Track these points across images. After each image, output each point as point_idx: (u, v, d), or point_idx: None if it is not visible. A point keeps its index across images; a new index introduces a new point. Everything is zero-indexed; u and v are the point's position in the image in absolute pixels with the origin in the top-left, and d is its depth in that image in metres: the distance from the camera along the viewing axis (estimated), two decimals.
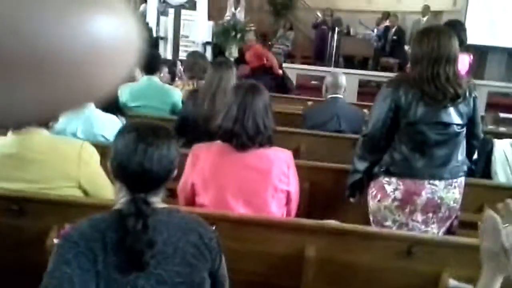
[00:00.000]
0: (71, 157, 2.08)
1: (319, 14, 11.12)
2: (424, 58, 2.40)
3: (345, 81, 3.94)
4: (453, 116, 2.45)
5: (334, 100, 3.81)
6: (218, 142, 2.18)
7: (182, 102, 3.84)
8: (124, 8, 0.35)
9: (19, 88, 0.30)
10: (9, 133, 2.07)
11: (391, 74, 6.92)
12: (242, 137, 2.10)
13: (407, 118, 2.45)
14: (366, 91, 8.01)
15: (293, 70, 8.12)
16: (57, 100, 0.32)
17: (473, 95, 2.51)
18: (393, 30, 9.54)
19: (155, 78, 3.99)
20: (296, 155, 3.35)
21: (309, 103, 5.02)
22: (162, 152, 1.44)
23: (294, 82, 8.01)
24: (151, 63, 3.95)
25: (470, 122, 2.54)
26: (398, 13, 10.48)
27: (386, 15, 10.27)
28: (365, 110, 3.98)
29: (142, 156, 1.41)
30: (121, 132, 1.49)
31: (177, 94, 4.01)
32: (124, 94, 3.90)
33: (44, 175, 2.04)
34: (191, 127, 3.09)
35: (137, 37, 0.35)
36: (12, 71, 0.29)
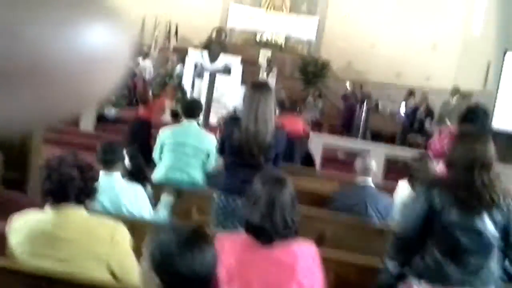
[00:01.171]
0: (103, 238, 2.09)
1: (348, 85, 11.29)
2: (458, 162, 2.38)
3: (375, 164, 3.92)
4: (487, 223, 2.39)
5: (363, 185, 3.78)
6: (243, 234, 2.16)
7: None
8: (118, 20, 0.36)
9: (18, 95, 0.30)
10: (48, 208, 2.10)
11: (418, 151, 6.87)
12: (270, 232, 2.08)
13: (439, 221, 2.40)
14: (392, 167, 7.94)
15: (320, 139, 8.14)
16: (52, 106, 0.33)
17: (508, 202, 2.45)
18: (422, 108, 9.58)
19: (194, 123, 4.26)
20: (321, 241, 3.31)
21: (335, 183, 4.96)
22: (206, 255, 1.45)
23: (320, 151, 8.02)
24: (193, 109, 4.30)
25: (505, 232, 2.47)
26: (426, 89, 10.57)
27: (412, 92, 10.36)
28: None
29: (189, 260, 1.42)
30: (163, 231, 1.51)
31: (213, 141, 4.18)
32: (165, 134, 4.19)
33: (75, 255, 2.05)
34: (235, 149, 3.10)
35: (129, 47, 0.36)
36: (11, 78, 0.30)
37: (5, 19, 0.30)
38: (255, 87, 3.20)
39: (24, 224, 2.08)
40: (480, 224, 2.38)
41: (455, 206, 2.37)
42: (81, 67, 0.32)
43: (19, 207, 4.50)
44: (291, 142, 6.30)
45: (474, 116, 3.77)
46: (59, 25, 0.31)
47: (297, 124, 7.30)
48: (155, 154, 4.28)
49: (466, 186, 2.36)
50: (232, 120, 3.39)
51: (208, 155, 4.17)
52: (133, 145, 4.03)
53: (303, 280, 2.09)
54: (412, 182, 3.78)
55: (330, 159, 8.24)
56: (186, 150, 4.12)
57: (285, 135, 3.31)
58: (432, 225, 2.42)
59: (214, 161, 4.18)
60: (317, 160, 7.86)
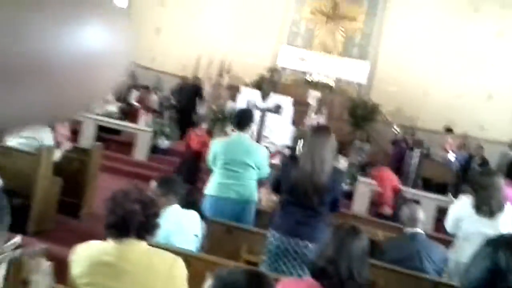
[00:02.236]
0: (161, 271, 2.10)
1: (397, 129, 11.10)
2: None
3: (423, 214, 3.79)
4: None
5: (414, 235, 3.65)
6: (308, 278, 2.12)
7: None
8: (119, 18, 0.36)
9: (21, 92, 0.30)
10: (110, 240, 2.14)
11: None
12: (333, 279, 2.03)
13: (506, 282, 2.27)
14: (443, 218, 7.64)
15: (368, 185, 7.98)
16: (55, 104, 0.32)
17: None
18: (477, 158, 9.26)
19: (246, 135, 4.27)
20: None
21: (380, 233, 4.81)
22: None
23: (368, 197, 7.84)
24: (243, 121, 4.29)
25: None
26: (479, 139, 10.26)
27: (465, 142, 10.09)
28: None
29: None
30: (227, 274, 1.50)
31: (263, 153, 4.25)
32: (216, 146, 4.24)
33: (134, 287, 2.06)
34: (291, 188, 3.12)
35: (128, 46, 0.36)
36: (14, 76, 0.29)
37: (8, 17, 0.30)
38: (315, 130, 3.26)
39: (87, 255, 2.12)
40: None
41: None
42: (82, 65, 0.33)
43: (72, 232, 4.63)
44: None
45: None
46: (61, 23, 0.32)
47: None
48: (209, 162, 4.32)
49: None
50: (290, 159, 3.41)
51: (259, 168, 4.19)
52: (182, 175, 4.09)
53: None
54: (477, 198, 3.73)
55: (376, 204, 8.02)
56: (237, 167, 4.14)
57: (343, 179, 3.29)
58: (496, 286, 2.29)
59: (266, 173, 4.26)
60: (364, 206, 7.68)
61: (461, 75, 11.86)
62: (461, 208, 3.88)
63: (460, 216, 3.87)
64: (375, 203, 7.81)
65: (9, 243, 1.56)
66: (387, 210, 6.84)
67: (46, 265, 1.54)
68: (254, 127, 8.93)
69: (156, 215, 2.23)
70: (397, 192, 7.06)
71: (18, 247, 1.58)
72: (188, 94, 11.02)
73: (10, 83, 0.31)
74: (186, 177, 5.49)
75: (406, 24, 12.39)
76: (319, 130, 3.31)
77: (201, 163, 6.61)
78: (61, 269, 2.19)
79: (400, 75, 12.19)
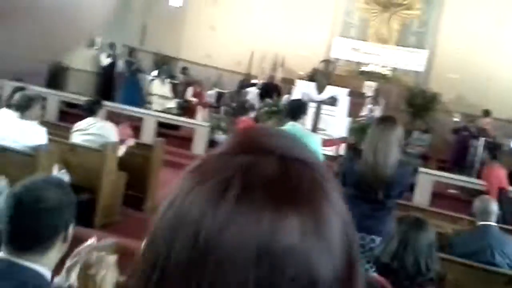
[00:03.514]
0: None
1: (457, 119, 10.61)
2: None
3: (496, 207, 3.55)
4: None
5: (485, 228, 3.45)
6: (375, 275, 2.02)
7: None
8: None
9: (18, 30, 0.27)
10: None
11: None
12: (400, 275, 1.92)
13: None
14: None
15: (429, 176, 7.65)
16: (43, 42, 0.29)
17: None
18: None
19: (298, 124, 4.18)
20: (442, 284, 3.02)
21: (450, 227, 4.56)
22: None
23: (430, 188, 7.53)
24: (296, 111, 4.21)
25: None
26: None
27: None
28: None
29: None
30: None
31: (315, 139, 4.16)
32: None
33: None
34: (355, 181, 3.03)
35: None
36: (12, 15, 0.26)
37: None
38: (379, 121, 3.14)
39: None
40: None
41: None
42: (68, 5, 0.29)
43: (137, 224, 4.74)
44: None
45: None
46: None
47: None
48: None
49: None
50: (354, 151, 3.31)
51: None
52: None
53: None
54: None
55: (442, 196, 7.69)
56: None
57: (411, 172, 3.15)
58: None
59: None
60: (426, 197, 7.38)
61: None
62: None
63: None
64: (436, 194, 7.50)
65: (85, 245, 1.58)
66: None
67: (111, 258, 1.54)
68: (308, 119, 8.85)
69: None
70: (502, 190, 6.59)
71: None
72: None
73: (8, 21, 0.29)
74: None
75: (465, 9, 11.78)
76: (384, 121, 3.17)
77: None
78: (127, 261, 2.22)
79: (461, 62, 11.62)
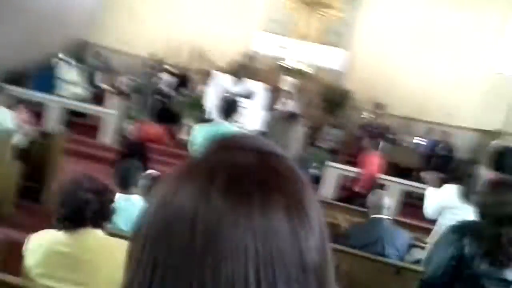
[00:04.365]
0: (121, 259, 2.00)
1: (365, 114, 11.16)
2: (488, 215, 2.27)
3: (389, 201, 3.78)
4: None
5: (377, 221, 3.66)
6: None
7: None
8: None
9: (10, 30, 0.27)
10: (61, 230, 2.03)
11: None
12: None
13: (469, 269, 2.28)
14: (408, 201, 7.76)
15: (336, 170, 7.99)
16: (30, 42, 0.29)
17: None
18: (441, 145, 9.40)
19: (226, 123, 4.17)
20: (336, 275, 3.16)
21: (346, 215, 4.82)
22: None
23: (335, 181, 7.87)
24: (228, 110, 4.19)
25: None
26: (448, 126, 10.44)
27: (431, 128, 10.31)
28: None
29: None
30: None
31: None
32: (198, 130, 4.19)
33: (92, 278, 1.97)
34: None
35: None
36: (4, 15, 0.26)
37: None
38: (280, 116, 3.20)
39: (41, 244, 2.02)
40: (509, 276, 2.25)
41: (484, 257, 2.24)
42: (56, 6, 0.29)
43: (33, 215, 4.48)
44: None
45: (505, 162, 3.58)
46: None
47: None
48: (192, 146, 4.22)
49: (494, 240, 2.23)
50: None
51: None
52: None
53: None
54: (464, 187, 3.68)
55: (345, 189, 8.07)
56: None
57: (308, 167, 3.25)
58: (461, 272, 2.29)
59: None
60: (331, 190, 7.70)
61: (430, 61, 12.00)
62: (447, 196, 3.84)
63: (445, 204, 3.82)
64: (345, 187, 7.87)
65: None
66: (361, 190, 6.98)
67: None
68: (241, 117, 8.87)
69: (111, 201, 2.14)
70: (374, 178, 7.17)
71: None
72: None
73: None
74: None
75: (383, 12, 12.42)
76: (289, 117, 3.24)
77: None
78: (20, 254, 2.09)
79: (376, 63, 12.23)
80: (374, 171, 7.29)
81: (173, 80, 10.73)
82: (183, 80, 10.76)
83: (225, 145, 0.54)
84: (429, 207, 3.98)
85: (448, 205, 3.81)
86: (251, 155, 0.52)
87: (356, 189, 7.22)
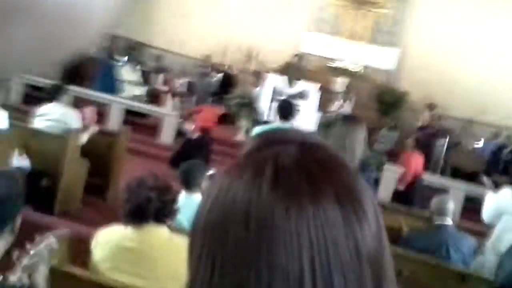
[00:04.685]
0: (184, 257, 2.05)
1: (424, 117, 10.82)
2: None
3: (453, 206, 3.65)
4: None
5: (442, 226, 3.53)
6: None
7: None
8: None
9: (9, 33, 0.29)
10: (127, 226, 2.10)
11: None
12: None
13: None
14: (470, 207, 7.42)
15: (394, 173, 7.79)
16: (46, 46, 0.32)
17: None
18: (509, 148, 8.94)
19: (288, 125, 4.22)
20: (398, 279, 3.08)
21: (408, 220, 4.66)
22: None
23: (394, 184, 7.67)
24: (286, 112, 4.28)
25: None
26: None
27: (498, 132, 9.82)
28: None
29: None
30: None
31: None
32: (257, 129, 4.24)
33: (156, 273, 2.03)
34: None
35: None
36: (10, 16, 0.29)
37: None
38: (345, 119, 3.17)
39: (108, 240, 2.10)
40: None
41: None
42: (71, 6, 0.32)
43: (98, 211, 4.67)
44: None
45: None
46: None
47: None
48: None
49: None
50: None
51: None
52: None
53: None
54: None
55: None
56: None
57: (372, 170, 3.21)
58: None
59: None
60: (389, 193, 7.53)
61: (495, 61, 11.44)
62: (503, 200, 3.72)
63: (502, 207, 3.71)
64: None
65: (44, 244, 1.57)
66: (400, 187, 6.96)
67: (44, 251, 1.54)
68: (299, 120, 8.89)
69: (173, 200, 2.20)
70: (417, 176, 7.05)
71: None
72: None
73: (6, 23, 0.30)
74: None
75: (436, 9, 11.99)
76: (350, 119, 3.20)
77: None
78: (87, 249, 2.18)
79: (430, 61, 11.85)
80: (416, 170, 7.12)
81: (224, 81, 10.88)
82: (233, 81, 10.88)
83: (270, 140, 0.55)
84: (486, 211, 3.87)
85: (505, 209, 3.67)
86: (294, 147, 0.53)
87: (400, 187, 7.11)
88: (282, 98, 8.83)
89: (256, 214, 0.48)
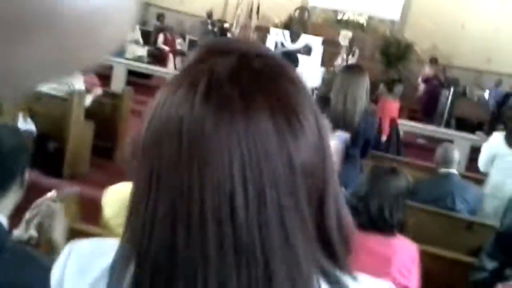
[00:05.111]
0: None
1: (428, 67, 10.66)
2: None
3: (458, 155, 3.64)
4: None
5: (447, 176, 3.53)
6: None
7: None
8: None
9: (26, 48, 0.29)
10: None
11: None
12: (363, 217, 1.98)
13: None
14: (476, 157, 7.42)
15: (400, 126, 7.76)
16: (63, 59, 0.31)
17: None
18: None
19: None
20: (403, 229, 3.12)
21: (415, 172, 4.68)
22: None
23: (402, 137, 7.66)
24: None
25: None
26: None
27: (500, 80, 9.66)
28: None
29: None
30: None
31: None
32: None
33: None
34: None
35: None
36: (18, 30, 0.28)
37: None
38: (347, 68, 3.14)
39: (118, 197, 2.11)
40: None
41: None
42: (89, 17, 0.31)
43: (106, 172, 4.71)
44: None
45: None
46: None
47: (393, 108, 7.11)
48: None
49: None
50: (321, 99, 3.30)
51: None
52: None
53: (398, 277, 1.97)
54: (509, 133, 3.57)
55: (409, 145, 7.85)
56: None
57: (376, 123, 3.18)
58: None
59: None
60: (394, 146, 7.53)
61: (500, 8, 11.14)
62: (494, 145, 3.72)
63: (494, 153, 3.72)
64: (406, 144, 7.66)
65: (45, 197, 1.57)
66: (383, 138, 6.89)
67: (57, 206, 1.54)
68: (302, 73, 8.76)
69: None
70: (394, 123, 7.02)
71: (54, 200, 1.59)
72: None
73: (14, 39, 0.29)
74: None
75: None
76: (352, 68, 3.17)
77: None
78: (97, 210, 2.21)
79: (436, 10, 11.54)
80: (391, 116, 7.10)
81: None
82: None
83: (210, 51, 0.53)
84: (480, 159, 3.88)
85: (497, 152, 3.68)
86: (233, 58, 0.51)
87: (383, 138, 7.11)
88: (284, 50, 8.72)
89: (187, 129, 0.48)
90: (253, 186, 0.47)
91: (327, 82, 8.87)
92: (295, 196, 0.48)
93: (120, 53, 9.01)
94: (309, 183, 0.50)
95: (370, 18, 12.58)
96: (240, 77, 0.49)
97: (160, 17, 11.34)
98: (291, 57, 4.27)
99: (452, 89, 8.79)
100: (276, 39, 9.27)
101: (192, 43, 10.85)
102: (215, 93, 0.48)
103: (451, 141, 6.72)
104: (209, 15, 11.45)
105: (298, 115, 0.49)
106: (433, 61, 10.33)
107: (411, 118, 9.33)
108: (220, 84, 0.48)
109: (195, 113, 0.48)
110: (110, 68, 8.04)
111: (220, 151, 0.47)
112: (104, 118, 4.99)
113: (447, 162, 3.53)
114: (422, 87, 10.29)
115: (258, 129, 0.47)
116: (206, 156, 0.47)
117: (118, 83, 7.77)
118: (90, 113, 4.75)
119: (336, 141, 2.91)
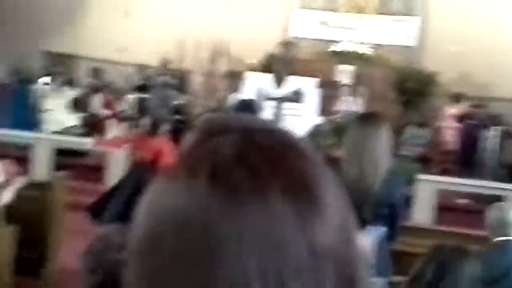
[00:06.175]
0: None
1: (448, 113, 10.78)
2: None
3: None
4: None
5: (506, 245, 3.56)
6: None
7: None
8: None
9: None
10: None
11: None
12: None
13: None
14: None
15: (430, 184, 7.85)
16: None
17: None
18: None
19: None
20: None
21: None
22: None
23: (434, 200, 7.73)
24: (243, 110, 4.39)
25: None
26: None
27: None
28: None
29: None
30: None
31: None
32: None
33: None
34: None
35: None
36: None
37: None
38: (360, 119, 3.22)
39: None
40: None
41: None
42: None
43: None
44: None
45: None
46: None
47: None
48: None
49: None
50: (328, 162, 3.36)
51: None
52: None
53: None
54: None
55: (446, 207, 7.90)
56: None
57: (400, 182, 3.26)
58: None
59: None
60: (429, 210, 7.57)
61: None
62: None
63: None
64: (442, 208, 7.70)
65: None
66: None
67: None
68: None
69: None
70: None
71: None
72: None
73: None
74: None
75: None
76: (366, 118, 3.25)
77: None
78: None
79: (461, 31, 11.95)
80: None
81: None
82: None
83: (208, 132, 0.60)
84: None
85: None
86: (236, 136, 0.58)
87: None
88: (271, 101, 8.89)
89: (192, 220, 0.54)
90: (273, 278, 0.52)
91: (331, 133, 9.00)
92: (321, 285, 0.54)
93: (37, 124, 9.06)
94: (335, 269, 0.56)
95: (376, 47, 12.88)
96: (247, 157, 0.56)
97: (96, 72, 11.59)
98: (250, 107, 4.42)
99: (494, 128, 8.97)
100: (256, 86, 9.45)
101: (142, 102, 10.98)
102: (220, 178, 0.55)
103: (502, 199, 6.80)
104: (165, 64, 11.72)
105: (315, 193, 0.57)
106: (457, 98, 10.60)
107: (444, 171, 9.43)
108: (226, 167, 0.55)
109: (200, 202, 0.54)
110: (28, 147, 8.06)
111: (232, 241, 0.53)
112: (29, 218, 4.95)
113: (503, 226, 3.57)
114: (451, 129, 10.49)
115: (273, 213, 0.54)
116: (216, 251, 0.53)
117: (41, 168, 7.77)
118: (11, 213, 4.71)
119: (368, 237, 2.93)
